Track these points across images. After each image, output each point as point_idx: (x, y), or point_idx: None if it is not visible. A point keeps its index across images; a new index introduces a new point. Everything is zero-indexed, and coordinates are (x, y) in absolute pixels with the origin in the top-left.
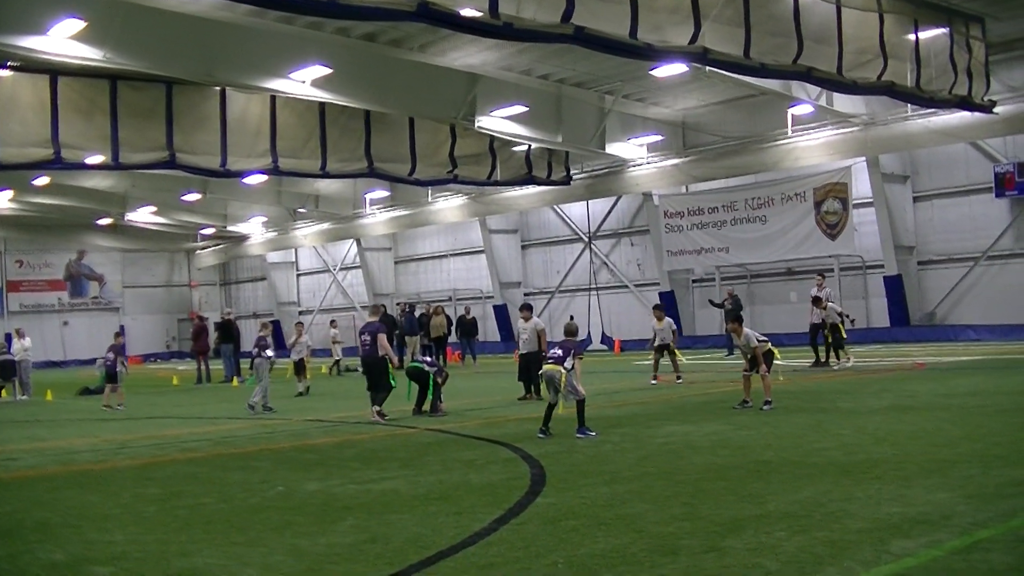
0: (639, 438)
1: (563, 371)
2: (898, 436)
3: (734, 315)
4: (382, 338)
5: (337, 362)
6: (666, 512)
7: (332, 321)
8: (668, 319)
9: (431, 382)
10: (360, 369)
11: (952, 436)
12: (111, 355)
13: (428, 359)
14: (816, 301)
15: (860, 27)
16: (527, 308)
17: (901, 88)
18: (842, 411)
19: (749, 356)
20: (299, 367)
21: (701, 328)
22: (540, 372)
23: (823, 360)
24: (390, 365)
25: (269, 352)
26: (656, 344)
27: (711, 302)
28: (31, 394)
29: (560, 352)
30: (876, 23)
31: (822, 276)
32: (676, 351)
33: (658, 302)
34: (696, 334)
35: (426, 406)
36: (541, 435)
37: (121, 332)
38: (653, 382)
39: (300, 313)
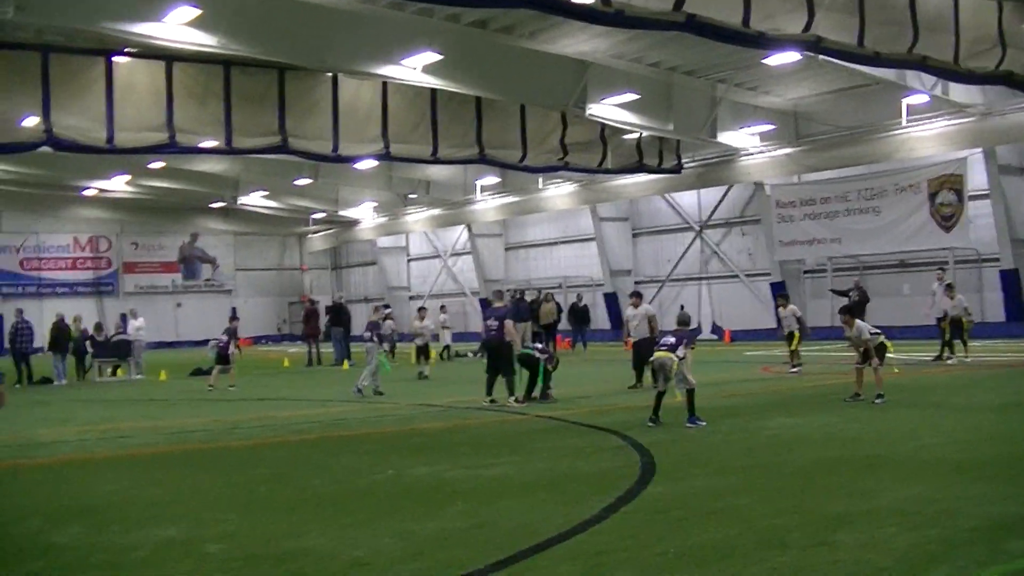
0: (748, 429)
1: (675, 359)
2: (1012, 434)
3: (848, 307)
4: (509, 324)
5: (447, 347)
6: (774, 504)
7: (442, 306)
8: (792, 306)
9: (541, 369)
10: (472, 354)
11: None
12: (224, 337)
13: (539, 346)
14: (949, 288)
15: (977, 15)
16: (636, 295)
17: (1020, 78)
18: (955, 407)
19: (861, 349)
20: (422, 351)
21: (812, 319)
22: (651, 359)
23: (952, 352)
24: (512, 351)
25: (384, 344)
26: (785, 332)
27: (833, 291)
28: (144, 373)
29: (672, 340)
30: (995, 11)
31: (943, 269)
32: (796, 339)
33: (782, 291)
34: (808, 325)
35: (536, 392)
36: (651, 424)
37: (235, 315)
38: (793, 371)
39: (410, 299)
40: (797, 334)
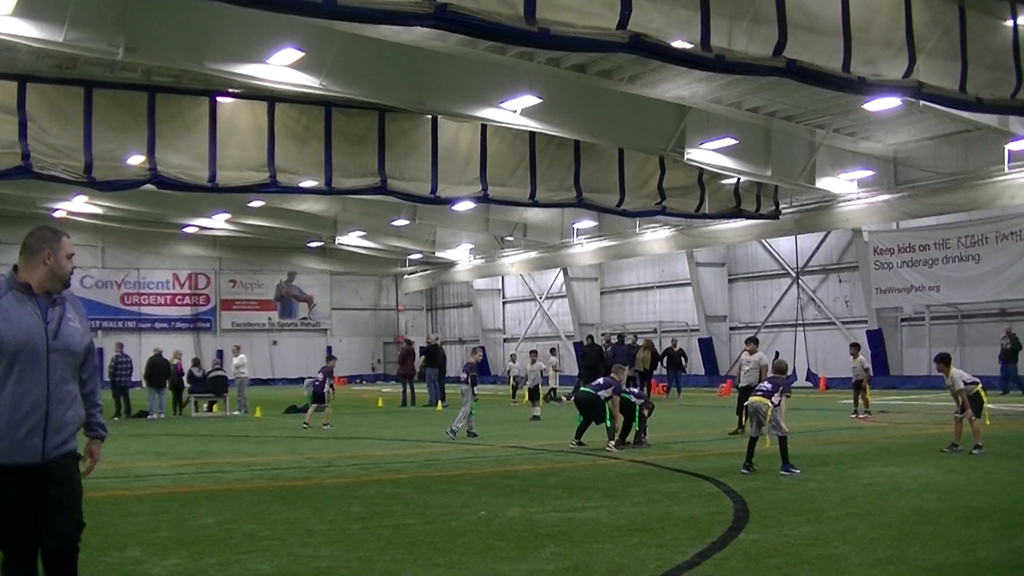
0: (843, 478)
1: (770, 405)
2: None
3: (944, 356)
4: (610, 395)
5: (553, 389)
6: (871, 555)
7: (552, 349)
8: (861, 357)
9: (636, 414)
10: (564, 398)
11: None
12: (320, 376)
13: (635, 391)
14: None
15: None
16: (753, 341)
17: None
18: None
19: (959, 399)
20: (533, 393)
21: (909, 368)
22: (745, 404)
23: None
24: (608, 406)
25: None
26: (855, 380)
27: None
28: (244, 410)
29: (769, 386)
30: None
31: None
32: (867, 388)
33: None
34: (904, 374)
35: (630, 437)
36: (745, 471)
37: (331, 355)
38: (852, 416)
39: (505, 341)
40: (866, 383)
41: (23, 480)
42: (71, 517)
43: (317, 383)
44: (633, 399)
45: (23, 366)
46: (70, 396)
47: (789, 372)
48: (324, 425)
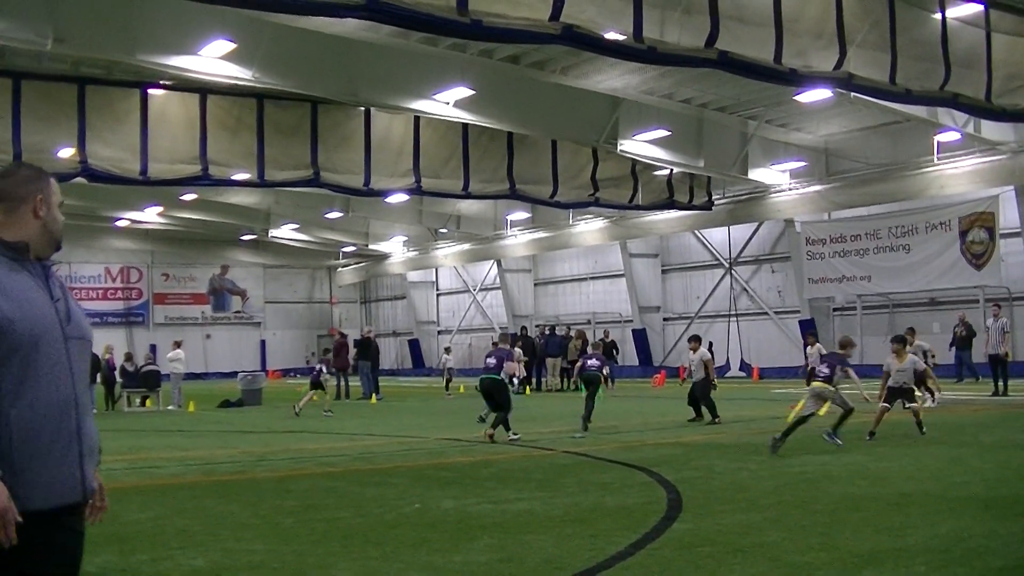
0: (776, 466)
1: (832, 389)
2: None
3: (901, 336)
4: (510, 365)
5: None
6: (803, 542)
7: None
8: (819, 345)
9: (599, 392)
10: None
11: None
12: (319, 366)
13: (597, 363)
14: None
15: (1010, 52)
16: (696, 339)
17: None
18: (984, 445)
19: (901, 384)
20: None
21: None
22: (810, 389)
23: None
24: (508, 386)
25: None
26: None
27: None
28: (179, 405)
29: (827, 371)
30: None
31: (999, 306)
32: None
33: (811, 329)
34: None
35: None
36: (778, 442)
37: (324, 354)
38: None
39: (439, 333)
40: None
41: (56, 526)
42: None
43: (314, 372)
44: (604, 372)
45: (42, 363)
46: (90, 406)
47: (720, 363)
48: (324, 412)
